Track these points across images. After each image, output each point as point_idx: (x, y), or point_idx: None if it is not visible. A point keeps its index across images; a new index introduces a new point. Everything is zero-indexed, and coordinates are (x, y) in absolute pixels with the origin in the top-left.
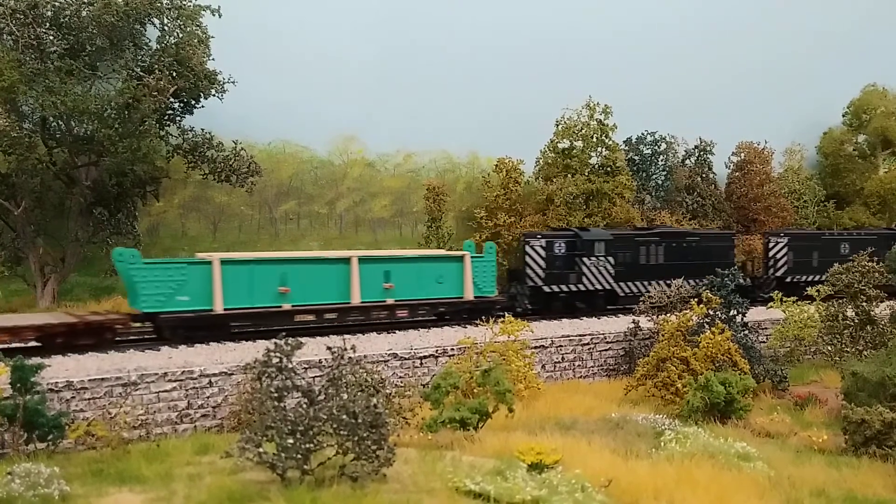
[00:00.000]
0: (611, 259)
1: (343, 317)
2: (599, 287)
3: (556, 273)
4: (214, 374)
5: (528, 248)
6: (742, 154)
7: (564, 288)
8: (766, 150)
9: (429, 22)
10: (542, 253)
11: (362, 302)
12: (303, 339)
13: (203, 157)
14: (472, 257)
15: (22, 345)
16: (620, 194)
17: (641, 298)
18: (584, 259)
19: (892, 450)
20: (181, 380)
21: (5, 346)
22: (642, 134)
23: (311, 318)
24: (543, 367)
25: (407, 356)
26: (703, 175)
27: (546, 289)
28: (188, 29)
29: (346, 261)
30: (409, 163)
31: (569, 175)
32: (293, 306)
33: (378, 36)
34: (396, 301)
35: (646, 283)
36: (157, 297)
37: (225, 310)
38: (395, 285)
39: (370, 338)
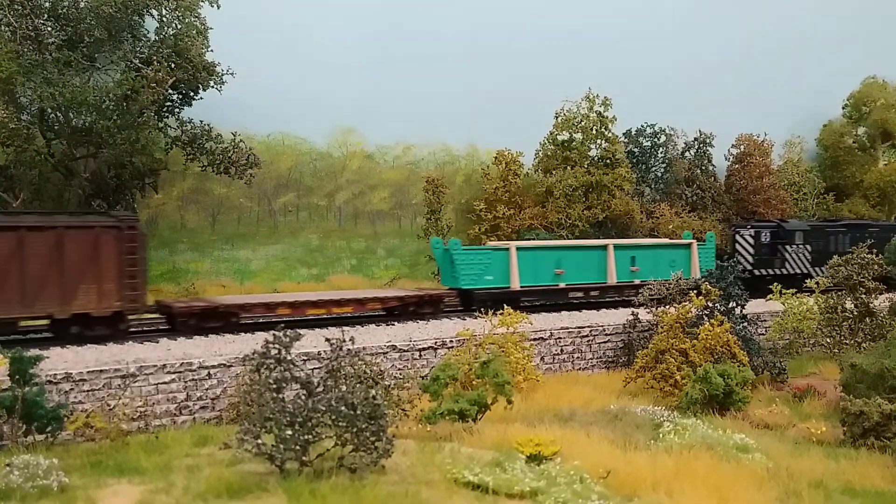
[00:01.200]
0: (808, 246)
1: (603, 294)
2: (798, 271)
3: (763, 258)
4: (213, 366)
5: (738, 237)
6: (742, 146)
7: (770, 272)
8: (765, 143)
9: (428, 13)
10: (751, 241)
11: (617, 282)
12: (301, 331)
13: (202, 148)
14: (697, 245)
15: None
16: (620, 186)
17: None
18: (787, 246)
19: (890, 441)
20: (180, 372)
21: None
22: (642, 126)
23: (579, 294)
24: (542, 359)
25: (406, 348)
26: (703, 167)
27: (756, 272)
28: (187, 20)
29: (604, 248)
30: (408, 155)
31: (568, 167)
32: (566, 285)
33: (377, 27)
34: (641, 282)
35: None
36: (472, 276)
37: (520, 287)
38: (640, 268)
39: (369, 330)
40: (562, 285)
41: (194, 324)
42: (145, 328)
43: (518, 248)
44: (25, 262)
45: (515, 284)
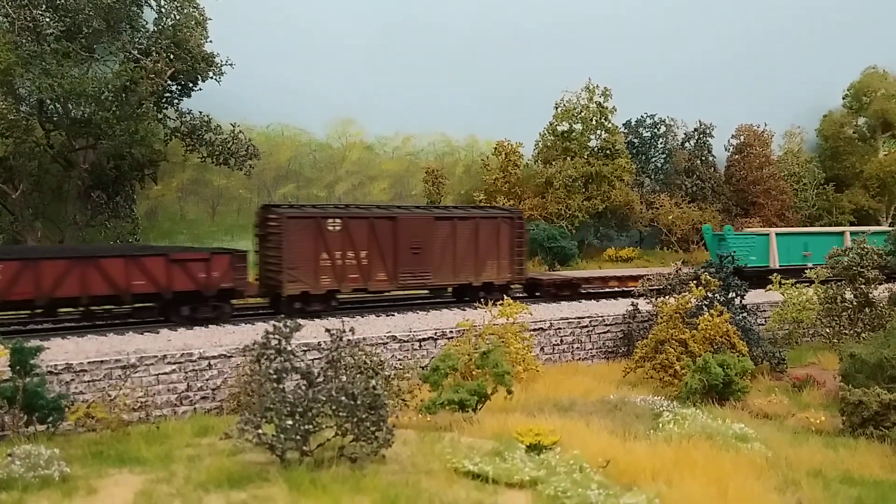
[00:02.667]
0: None
1: None
2: None
3: None
4: (214, 357)
5: None
6: (741, 137)
7: None
8: (765, 133)
9: (427, 4)
10: None
11: None
12: (301, 322)
13: (201, 140)
14: (850, 232)
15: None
16: (620, 177)
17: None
18: None
19: (889, 431)
20: (180, 362)
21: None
22: (642, 117)
23: None
24: (542, 349)
25: (406, 339)
26: (703, 158)
27: None
28: (185, 11)
29: (842, 233)
30: (407, 146)
31: (568, 158)
32: (813, 265)
33: (376, 18)
34: None
35: None
36: (741, 256)
37: (778, 266)
38: None
39: (369, 320)
40: (809, 265)
41: (553, 292)
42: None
43: (776, 234)
44: (456, 245)
45: (774, 263)
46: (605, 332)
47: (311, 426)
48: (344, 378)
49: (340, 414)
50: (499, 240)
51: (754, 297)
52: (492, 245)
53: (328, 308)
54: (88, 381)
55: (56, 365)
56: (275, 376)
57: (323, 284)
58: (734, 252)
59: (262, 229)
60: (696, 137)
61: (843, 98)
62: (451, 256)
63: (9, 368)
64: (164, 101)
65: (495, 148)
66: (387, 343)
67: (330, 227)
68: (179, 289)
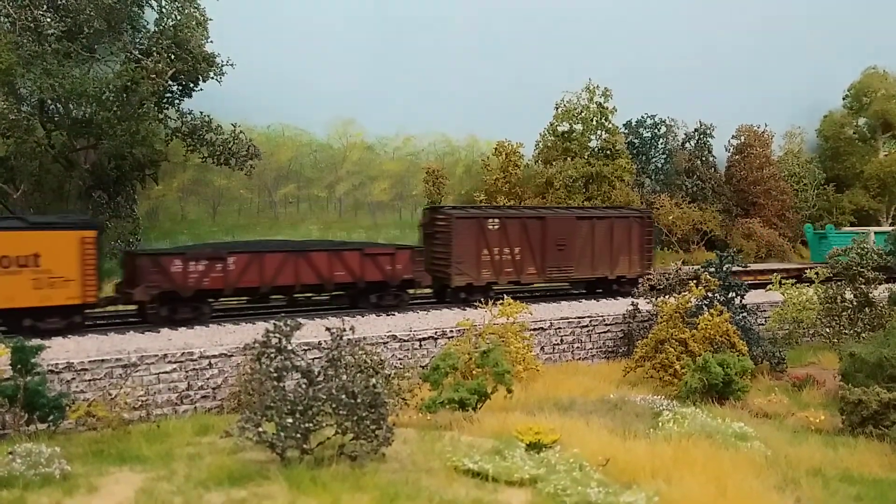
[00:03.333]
0: None
1: None
2: None
3: None
4: (214, 356)
5: None
6: (742, 137)
7: None
8: (766, 134)
9: (427, 4)
10: None
11: None
12: (302, 321)
13: (202, 140)
14: None
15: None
16: (620, 177)
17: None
18: None
19: (888, 430)
20: (181, 361)
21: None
22: (642, 117)
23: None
24: (542, 349)
25: (406, 338)
26: (703, 158)
27: None
28: (186, 11)
29: None
30: (408, 146)
31: (568, 158)
32: None
33: (377, 19)
34: None
35: None
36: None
37: None
38: None
39: (369, 320)
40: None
41: None
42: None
43: (875, 232)
44: (594, 242)
45: None
46: (605, 332)
47: (311, 424)
48: (344, 377)
49: (340, 412)
50: (630, 237)
51: (754, 296)
52: (624, 242)
53: (487, 297)
54: (89, 380)
55: (57, 364)
56: (275, 375)
57: (484, 277)
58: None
59: (430, 228)
60: (697, 138)
61: (844, 98)
62: (590, 252)
63: (10, 367)
64: (164, 101)
65: (496, 148)
66: (387, 342)
67: (490, 227)
68: (370, 279)
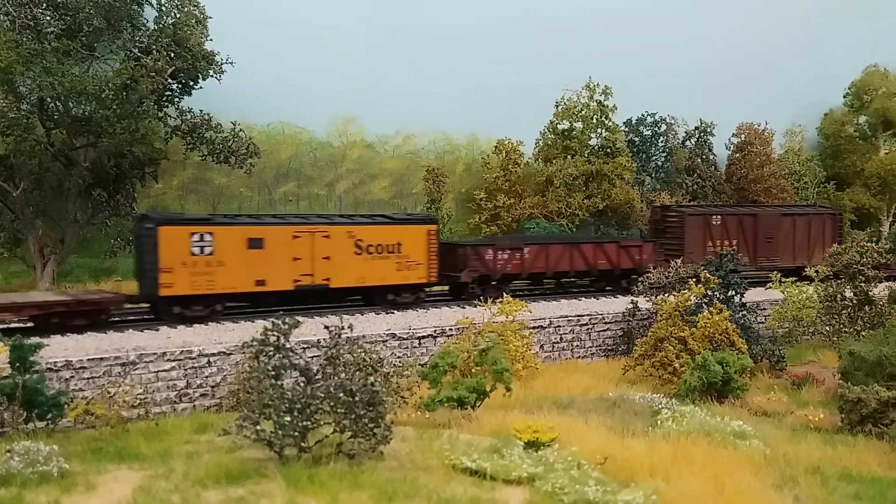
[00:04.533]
0: None
1: None
2: None
3: None
4: (213, 354)
5: None
6: (742, 135)
7: None
8: (766, 132)
9: (428, 2)
10: None
11: None
12: (301, 319)
13: (202, 138)
14: None
15: None
16: (620, 175)
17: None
18: None
19: (887, 428)
20: (180, 359)
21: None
22: (642, 115)
23: None
24: (542, 347)
25: (405, 336)
26: (704, 156)
27: None
28: (185, 9)
29: None
30: (408, 144)
31: (568, 156)
32: None
33: (377, 16)
34: None
35: None
36: None
37: None
38: None
39: (368, 318)
40: None
41: None
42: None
43: None
44: (795, 235)
45: None
46: (604, 330)
47: (309, 423)
48: (343, 375)
49: (339, 411)
50: (824, 231)
51: (754, 295)
52: (819, 236)
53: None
54: (88, 379)
55: (56, 362)
56: (273, 373)
57: None
58: None
59: (661, 224)
60: (697, 136)
61: (844, 96)
62: (792, 245)
63: (8, 365)
64: (164, 99)
65: (496, 146)
66: (386, 340)
67: (713, 222)
68: (624, 267)
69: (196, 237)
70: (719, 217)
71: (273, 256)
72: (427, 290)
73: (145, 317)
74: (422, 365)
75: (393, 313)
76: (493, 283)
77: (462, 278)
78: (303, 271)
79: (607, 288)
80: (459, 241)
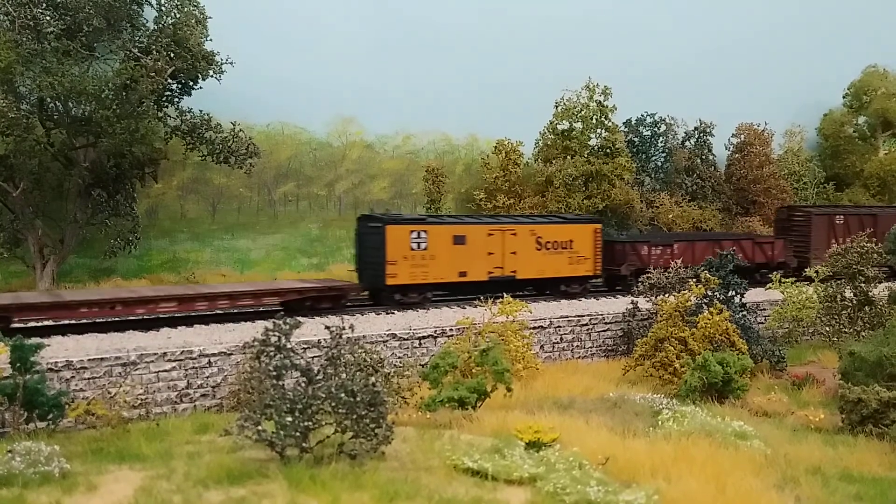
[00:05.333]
0: None
1: None
2: None
3: None
4: (214, 354)
5: None
6: (742, 135)
7: None
8: (765, 132)
9: (427, 2)
10: None
11: None
12: (301, 319)
13: (201, 138)
14: None
15: None
16: (620, 176)
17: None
18: None
19: (888, 428)
20: (180, 360)
21: None
22: (642, 115)
23: None
24: (542, 347)
25: (406, 336)
26: (703, 157)
27: None
28: (185, 9)
29: None
30: (407, 144)
31: (568, 157)
32: None
33: (377, 17)
34: None
35: None
36: None
37: None
38: None
39: (369, 318)
40: None
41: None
42: None
43: None
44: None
45: None
46: (604, 331)
47: (310, 423)
48: (343, 375)
49: (340, 411)
50: None
51: (754, 295)
52: None
53: None
54: (89, 379)
55: (56, 362)
56: (274, 373)
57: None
58: None
59: (787, 223)
60: (697, 136)
61: (844, 97)
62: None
63: (9, 365)
64: (164, 99)
65: (495, 146)
66: (386, 341)
67: (837, 222)
68: (758, 261)
69: (414, 234)
70: (842, 217)
71: (473, 251)
72: (592, 281)
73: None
74: (422, 365)
75: (393, 313)
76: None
77: (622, 271)
78: (495, 264)
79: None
80: (619, 239)
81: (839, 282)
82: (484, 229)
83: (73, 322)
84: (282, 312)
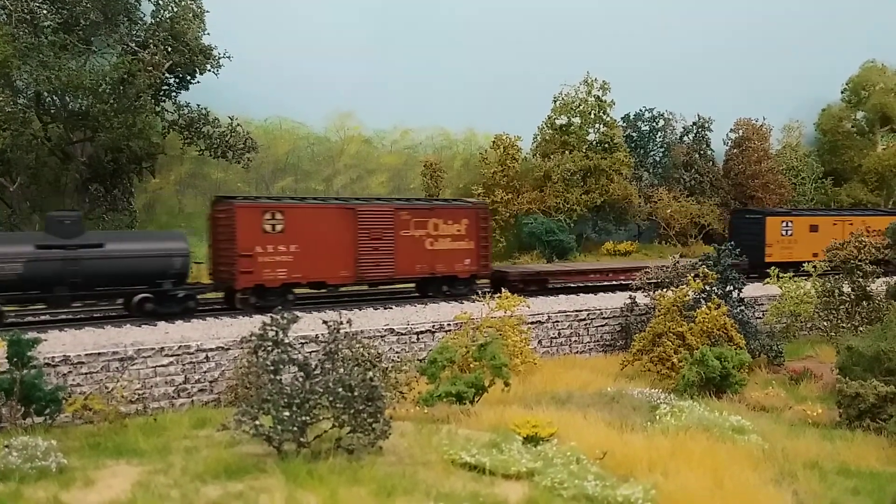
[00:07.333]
0: None
1: None
2: None
3: None
4: (211, 349)
5: None
6: (740, 131)
7: None
8: (764, 127)
9: None
10: None
11: None
12: (299, 314)
13: (199, 133)
14: None
15: None
16: (618, 171)
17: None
18: None
19: (885, 423)
20: (178, 355)
21: None
22: (640, 110)
23: None
24: (540, 342)
25: (403, 331)
26: (701, 152)
27: None
28: (183, 3)
29: None
30: (406, 139)
31: (566, 152)
32: None
33: (374, 11)
34: None
35: None
36: None
37: None
38: None
39: (367, 313)
40: None
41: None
42: None
43: None
44: None
45: None
46: (602, 326)
47: (308, 418)
48: (341, 370)
49: (337, 405)
50: None
51: (752, 290)
52: None
53: None
54: (86, 374)
55: (53, 357)
56: (272, 368)
57: None
58: None
59: None
60: (695, 131)
61: (842, 92)
62: None
63: (6, 360)
64: (161, 93)
65: (494, 141)
66: (384, 336)
67: None
68: None
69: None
70: None
71: (825, 238)
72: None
73: None
74: (420, 360)
75: (391, 308)
76: None
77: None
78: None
79: None
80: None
81: (837, 276)
82: (829, 220)
83: (582, 284)
84: None
